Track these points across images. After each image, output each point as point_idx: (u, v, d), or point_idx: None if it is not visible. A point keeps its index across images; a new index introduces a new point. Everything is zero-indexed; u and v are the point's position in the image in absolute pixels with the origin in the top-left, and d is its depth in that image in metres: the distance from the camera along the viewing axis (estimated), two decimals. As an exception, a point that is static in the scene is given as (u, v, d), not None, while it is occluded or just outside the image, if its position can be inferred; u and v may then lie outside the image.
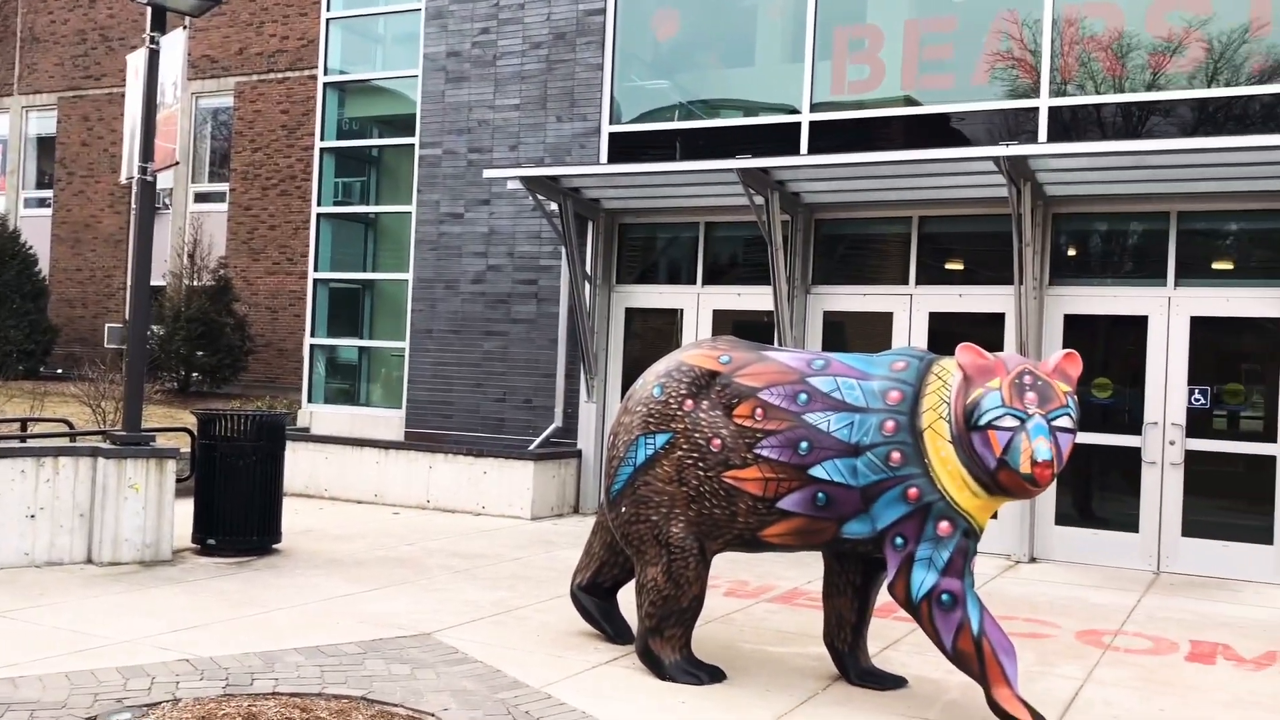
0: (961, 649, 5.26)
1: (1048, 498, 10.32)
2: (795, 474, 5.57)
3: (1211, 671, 6.58)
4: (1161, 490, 9.96)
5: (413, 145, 13.81)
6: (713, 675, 5.88)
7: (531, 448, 12.22)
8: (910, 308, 11.01)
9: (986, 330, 10.47)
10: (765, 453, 5.63)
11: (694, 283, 12.08)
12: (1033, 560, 10.28)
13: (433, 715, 5.14)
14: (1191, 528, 9.86)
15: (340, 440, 12.86)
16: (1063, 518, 10.33)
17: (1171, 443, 9.93)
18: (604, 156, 12.37)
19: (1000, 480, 5.20)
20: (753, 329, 10.98)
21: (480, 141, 13.20)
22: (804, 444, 5.57)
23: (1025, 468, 5.04)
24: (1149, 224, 10.26)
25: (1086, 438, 10.20)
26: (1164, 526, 9.95)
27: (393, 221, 14.43)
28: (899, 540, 5.38)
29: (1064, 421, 5.15)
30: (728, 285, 11.94)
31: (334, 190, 15.23)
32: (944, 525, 5.30)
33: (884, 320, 11.11)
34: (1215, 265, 10.11)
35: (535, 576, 8.60)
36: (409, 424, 13.48)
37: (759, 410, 5.70)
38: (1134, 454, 10.07)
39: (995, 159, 9.20)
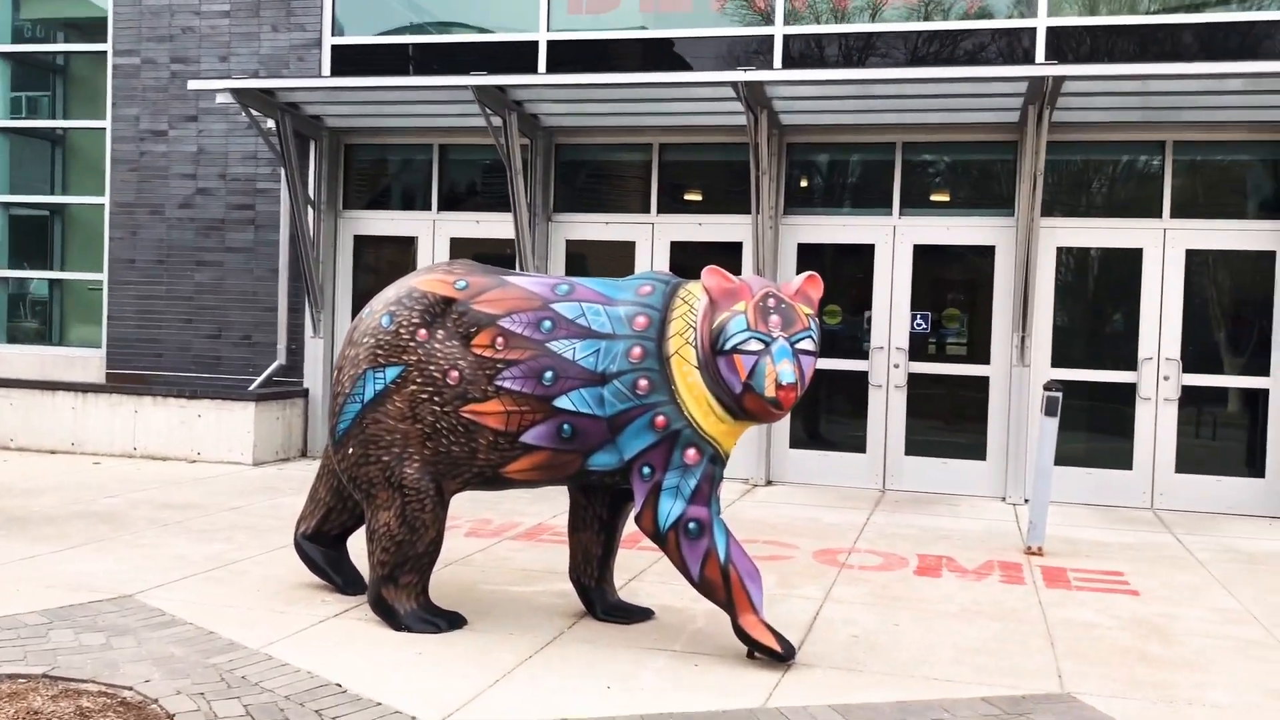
0: (708, 577, 5.14)
1: (783, 422, 10.55)
2: (539, 406, 5.24)
3: (939, 584, 6.84)
4: (886, 412, 10.37)
5: (105, 53, 12.32)
6: (452, 622, 5.52)
7: (252, 388, 11.31)
8: (652, 237, 10.88)
9: (725, 259, 10.50)
10: (507, 384, 5.26)
11: (430, 209, 11.46)
12: (769, 483, 10.51)
13: (130, 689, 4.50)
14: (914, 447, 10.34)
15: (27, 384, 11.45)
16: (797, 441, 10.59)
17: (896, 366, 10.34)
18: (326, 71, 11.46)
19: (745, 405, 5.08)
20: (493, 259, 10.55)
21: (185, 50, 11.92)
22: (548, 374, 5.24)
23: (770, 391, 4.93)
24: (876, 154, 10.54)
25: (818, 363, 10.46)
26: (889, 447, 10.38)
27: (85, 139, 12.89)
28: (646, 469, 5.17)
29: (806, 344, 5.07)
30: (466, 212, 11.40)
31: (11, 104, 13.42)
32: (691, 452, 5.13)
33: (626, 250, 10.94)
34: (936, 195, 10.53)
35: (256, 526, 7.91)
36: (110, 364, 12.18)
37: (499, 339, 5.32)
38: (862, 378, 10.42)
39: (733, 84, 9.12)
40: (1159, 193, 9.89)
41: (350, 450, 5.44)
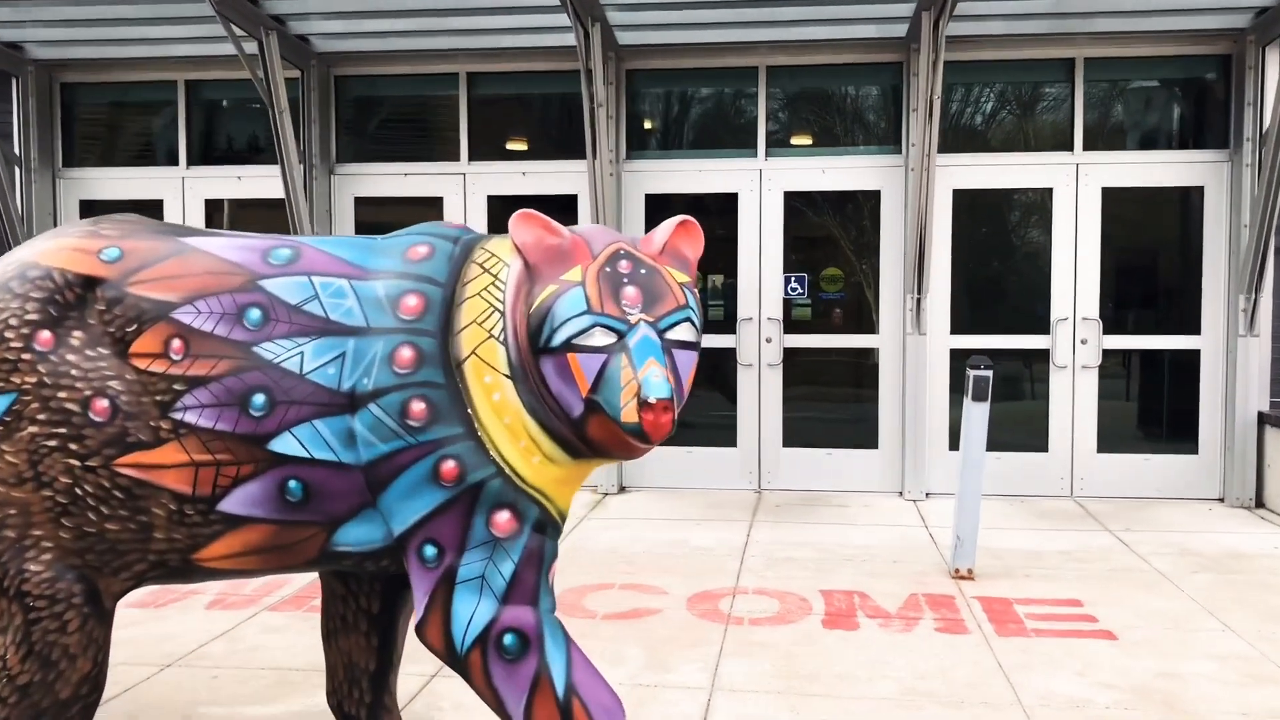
0: (539, 717, 3.16)
1: (636, 415, 8.61)
2: (247, 451, 3.13)
3: (859, 642, 5.04)
4: (759, 397, 8.58)
5: None
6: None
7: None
8: (464, 190, 8.76)
9: (558, 217, 8.49)
10: (192, 418, 3.13)
11: (177, 164, 9.01)
12: (623, 490, 8.60)
13: None
14: (793, 437, 8.59)
15: None
16: (654, 437, 8.68)
17: (768, 340, 8.54)
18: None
19: (591, 434, 3.11)
20: (264, 225, 8.24)
21: None
22: (259, 398, 3.13)
23: (629, 414, 2.97)
24: (736, 82, 8.67)
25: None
26: (764, 438, 8.60)
27: None
28: (429, 550, 3.14)
29: (683, 331, 3.12)
30: (225, 166, 9.02)
31: None
32: (503, 518, 3.12)
33: (433, 207, 8.78)
34: (809, 132, 8.74)
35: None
36: None
37: (176, 341, 3.17)
38: (729, 356, 8.60)
39: (557, -13, 7.08)
40: (1069, 121, 8.34)
41: (-78, 540, 3.21)
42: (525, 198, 8.71)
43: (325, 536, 3.21)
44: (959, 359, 8.35)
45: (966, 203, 8.41)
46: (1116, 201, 8.24)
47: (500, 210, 8.71)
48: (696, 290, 3.28)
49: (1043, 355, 8.33)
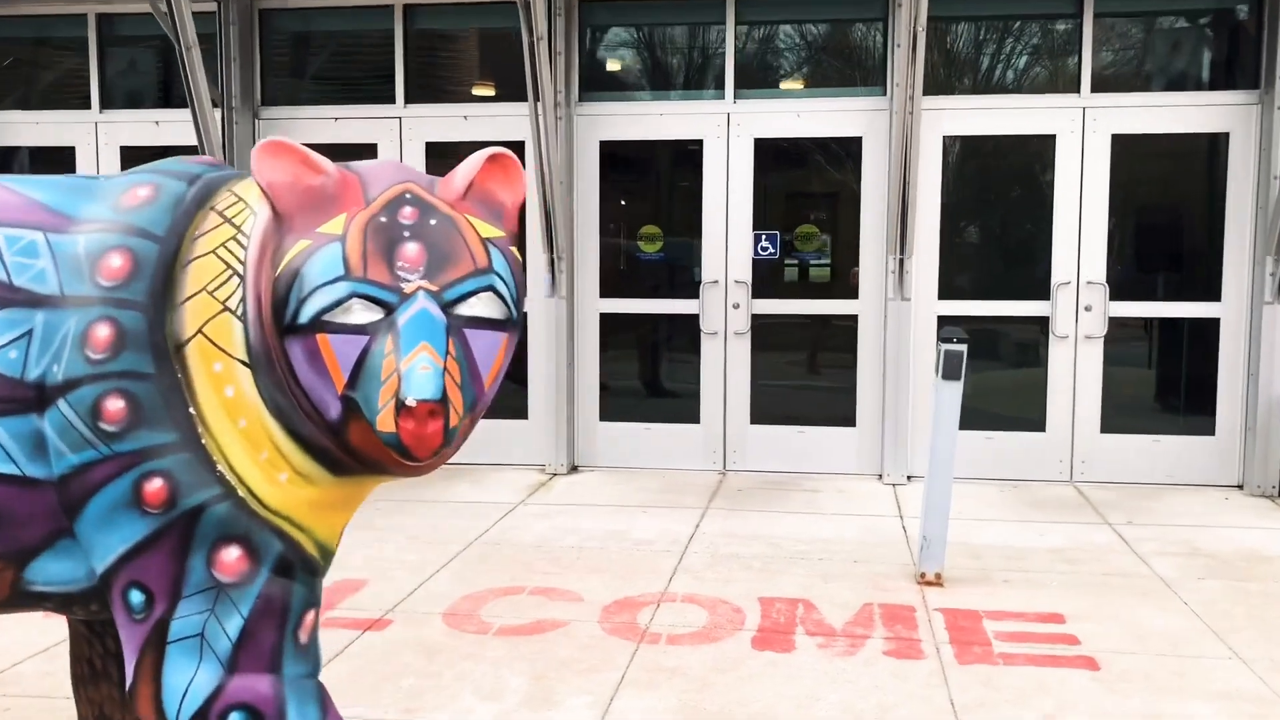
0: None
1: (587, 388, 7.82)
2: (-103, 459, 2.35)
3: (789, 669, 4.23)
4: (725, 368, 7.73)
5: None
6: None
7: None
8: (400, 136, 7.91)
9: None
10: None
11: (89, 107, 8.20)
12: (575, 469, 7.81)
13: None
14: (762, 413, 7.74)
15: None
16: (610, 411, 7.89)
17: (735, 306, 7.68)
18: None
19: (354, 444, 2.29)
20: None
21: None
22: (-87, 388, 2.34)
23: (385, 422, 2.16)
24: (700, 14, 7.73)
25: (633, 305, 7.76)
26: (729, 414, 7.76)
27: None
28: (135, 597, 2.35)
29: (482, 305, 2.29)
30: (142, 110, 8.21)
31: None
32: (229, 556, 2.32)
33: (364, 155, 7.93)
34: (783, 71, 7.83)
35: None
36: None
37: None
38: (692, 323, 7.75)
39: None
40: (1075, 59, 7.37)
41: None
42: (468, 145, 7.84)
43: (14, 573, 2.42)
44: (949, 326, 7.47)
45: (958, 151, 7.49)
46: (1128, 150, 7.28)
47: (439, 160, 7.86)
48: (515, 250, 2.45)
49: (1041, 324, 7.43)
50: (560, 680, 4.09)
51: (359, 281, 2.23)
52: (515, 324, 2.38)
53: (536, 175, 7.21)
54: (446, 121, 7.86)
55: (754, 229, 7.62)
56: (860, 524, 6.39)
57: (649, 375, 8.07)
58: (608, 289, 7.77)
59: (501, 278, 2.34)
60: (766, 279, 7.68)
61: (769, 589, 5.18)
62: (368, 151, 7.86)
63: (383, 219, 2.32)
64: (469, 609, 4.88)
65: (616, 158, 7.77)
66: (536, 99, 7.06)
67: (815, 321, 7.79)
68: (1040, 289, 7.40)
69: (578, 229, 7.72)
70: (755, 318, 7.66)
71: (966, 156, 7.52)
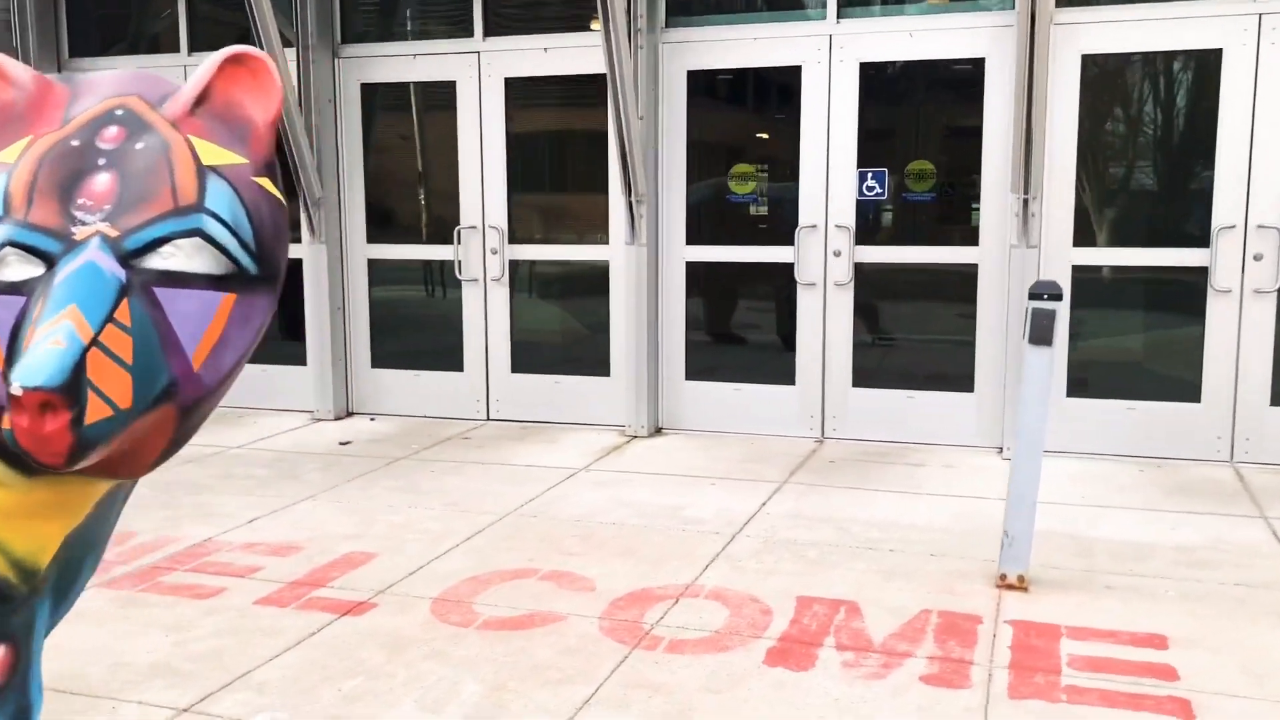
0: None
1: (674, 342, 7.18)
2: None
3: (800, 692, 3.53)
4: (824, 324, 6.92)
5: None
6: None
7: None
8: (479, 72, 7.39)
9: (585, 107, 7.08)
10: None
11: (179, 50, 8.06)
12: (659, 432, 7.21)
13: None
14: (865, 374, 6.91)
15: None
16: (697, 370, 7.23)
17: (836, 254, 6.84)
18: None
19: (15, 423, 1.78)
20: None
21: None
22: None
23: (13, 399, 1.63)
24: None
25: (722, 253, 7.04)
26: (829, 376, 6.96)
27: None
28: None
29: (182, 256, 1.73)
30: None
31: None
32: None
33: (444, 94, 7.48)
34: (897, -13, 6.86)
35: None
36: None
37: None
38: (787, 273, 6.96)
39: None
40: (1251, -44, 6.11)
41: None
42: (549, 80, 7.30)
43: None
44: (1085, 278, 6.43)
45: (1100, 73, 6.36)
46: (1317, 65, 5.99)
47: (520, 95, 7.32)
48: (264, 182, 1.87)
49: (1199, 275, 6.27)
50: (520, 693, 3.53)
51: (20, 225, 1.71)
52: (251, 279, 1.80)
53: (613, 109, 6.57)
54: (526, 55, 7.28)
55: (858, 166, 6.74)
56: (958, 507, 5.54)
57: (739, 331, 7.34)
58: (694, 235, 7.07)
59: (219, 218, 1.77)
60: (872, 223, 6.80)
61: (813, 586, 4.45)
62: (447, 91, 7.41)
63: (74, 143, 1.78)
64: (465, 594, 4.38)
65: (704, 89, 7.02)
66: (609, 24, 6.39)
67: (927, 271, 6.86)
68: (1198, 235, 6.23)
69: (662, 169, 7.03)
70: (858, 267, 6.80)
71: (1111, 78, 6.38)
